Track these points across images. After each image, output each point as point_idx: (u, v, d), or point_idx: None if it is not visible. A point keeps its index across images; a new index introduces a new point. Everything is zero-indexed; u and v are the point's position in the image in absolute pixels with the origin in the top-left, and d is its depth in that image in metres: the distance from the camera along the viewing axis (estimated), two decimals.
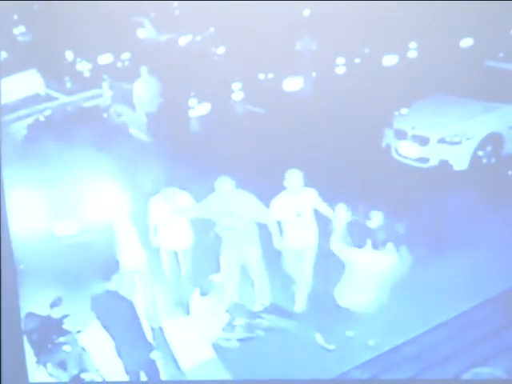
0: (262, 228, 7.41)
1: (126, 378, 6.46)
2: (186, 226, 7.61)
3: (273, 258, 7.63)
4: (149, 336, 6.47)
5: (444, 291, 7.25)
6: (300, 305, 7.56)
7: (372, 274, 6.68)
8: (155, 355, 6.38)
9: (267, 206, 7.35)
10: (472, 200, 8.37)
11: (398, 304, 7.12)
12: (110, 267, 6.37)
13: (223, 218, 7.29)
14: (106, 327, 6.30)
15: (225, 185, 7.20)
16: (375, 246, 6.70)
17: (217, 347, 7.15)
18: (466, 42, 9.51)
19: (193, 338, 7.12)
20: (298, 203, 7.23)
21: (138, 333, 6.29)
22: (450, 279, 7.40)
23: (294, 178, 7.18)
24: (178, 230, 7.55)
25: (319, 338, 7.05)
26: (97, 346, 6.73)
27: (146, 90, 10.05)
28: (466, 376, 6.56)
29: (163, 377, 6.67)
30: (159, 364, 6.54)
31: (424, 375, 6.73)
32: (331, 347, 6.98)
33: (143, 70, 9.98)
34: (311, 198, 7.29)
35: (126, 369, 6.39)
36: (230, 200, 7.23)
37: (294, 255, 7.50)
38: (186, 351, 7.01)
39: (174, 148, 9.52)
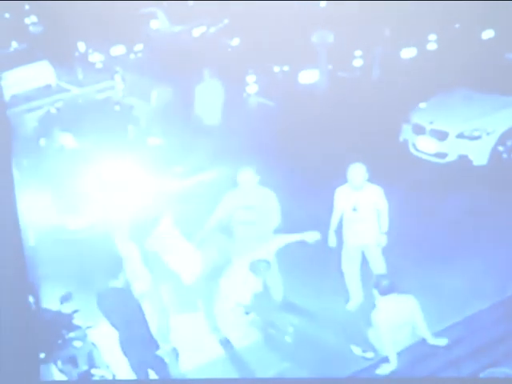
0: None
1: (134, 375, 6.39)
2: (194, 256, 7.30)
3: (288, 255, 7.51)
4: (155, 334, 6.40)
5: (460, 289, 7.15)
6: (353, 304, 7.44)
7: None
8: (161, 353, 6.33)
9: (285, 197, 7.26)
10: (491, 196, 8.22)
11: None
12: (117, 265, 6.29)
13: (241, 211, 7.15)
14: (112, 324, 6.23)
15: (247, 176, 7.09)
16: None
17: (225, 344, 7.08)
18: (487, 34, 9.35)
19: (200, 336, 7.08)
20: (356, 198, 7.05)
21: (144, 331, 6.24)
22: (467, 277, 7.29)
23: (355, 171, 7.01)
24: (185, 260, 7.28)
25: (356, 349, 6.93)
26: (107, 342, 6.66)
27: (208, 96, 9.52)
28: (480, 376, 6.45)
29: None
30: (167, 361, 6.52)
31: (438, 375, 6.60)
32: (370, 355, 6.85)
33: (206, 72, 9.49)
34: (374, 196, 7.06)
35: (132, 366, 6.31)
36: (250, 193, 7.12)
37: (350, 252, 7.31)
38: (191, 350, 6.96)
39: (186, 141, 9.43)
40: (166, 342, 6.92)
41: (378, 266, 7.25)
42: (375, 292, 6.56)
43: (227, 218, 7.28)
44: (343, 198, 7.13)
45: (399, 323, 6.55)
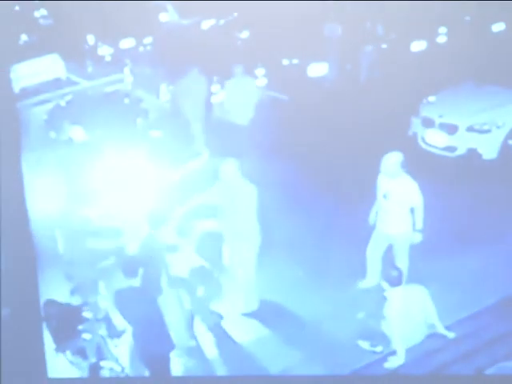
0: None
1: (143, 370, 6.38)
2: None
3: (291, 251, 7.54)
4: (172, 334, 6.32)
5: (468, 285, 7.08)
6: (366, 283, 7.42)
7: None
8: (175, 354, 6.27)
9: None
10: (501, 190, 8.18)
11: None
12: (134, 264, 6.19)
13: (225, 206, 7.03)
14: (128, 323, 6.17)
15: (229, 168, 6.95)
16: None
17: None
18: (498, 27, 9.28)
19: None
20: (387, 185, 7.02)
21: (161, 331, 6.11)
22: (475, 273, 7.24)
23: (389, 159, 6.96)
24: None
25: (363, 344, 6.88)
26: (116, 335, 6.66)
27: (239, 94, 9.16)
28: (489, 371, 6.41)
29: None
30: (178, 362, 6.51)
31: (447, 370, 6.58)
32: (379, 349, 6.82)
33: (237, 69, 9.15)
34: (406, 188, 6.98)
35: (145, 364, 6.28)
36: (232, 187, 6.97)
37: (377, 238, 7.31)
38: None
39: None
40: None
41: (400, 261, 7.20)
42: (385, 284, 6.57)
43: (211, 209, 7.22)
44: (379, 185, 7.12)
45: (411, 314, 6.53)
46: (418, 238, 7.07)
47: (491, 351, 6.59)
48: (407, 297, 6.55)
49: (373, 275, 7.37)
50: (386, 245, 7.27)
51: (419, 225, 7.01)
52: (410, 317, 6.54)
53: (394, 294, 6.53)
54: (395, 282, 6.52)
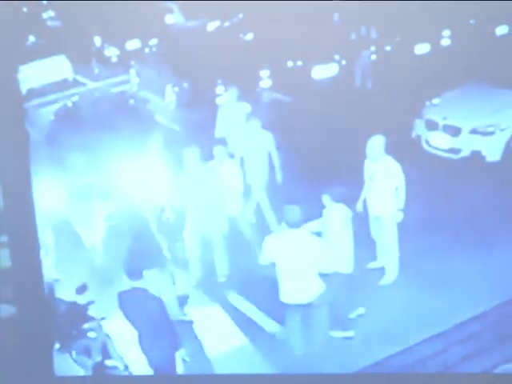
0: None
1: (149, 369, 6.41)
2: None
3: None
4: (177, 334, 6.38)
5: (472, 285, 7.13)
6: (389, 277, 7.56)
7: None
8: (181, 353, 6.30)
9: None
10: (504, 192, 8.18)
11: (427, 296, 7.03)
12: (138, 266, 6.21)
13: (190, 190, 7.46)
14: (133, 324, 6.19)
15: (191, 156, 7.44)
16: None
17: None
18: (501, 30, 9.30)
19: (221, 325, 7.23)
20: (372, 167, 7.39)
21: (166, 331, 6.13)
22: (479, 273, 7.27)
23: (373, 143, 7.33)
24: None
25: (336, 334, 6.94)
26: (121, 334, 6.70)
27: (232, 118, 9.09)
28: (496, 372, 6.45)
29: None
30: (186, 361, 6.52)
31: (452, 370, 6.60)
32: (350, 334, 6.88)
33: (233, 91, 9.12)
34: (389, 169, 7.32)
35: (150, 364, 6.30)
36: (196, 173, 7.45)
37: (373, 221, 7.62)
38: (214, 339, 7.08)
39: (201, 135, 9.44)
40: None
41: (390, 241, 7.42)
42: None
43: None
44: (365, 169, 7.49)
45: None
46: (399, 216, 7.38)
47: (495, 353, 6.63)
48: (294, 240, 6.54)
49: (390, 266, 7.52)
50: (378, 226, 7.53)
51: (401, 204, 7.36)
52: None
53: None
54: (293, 224, 6.51)
